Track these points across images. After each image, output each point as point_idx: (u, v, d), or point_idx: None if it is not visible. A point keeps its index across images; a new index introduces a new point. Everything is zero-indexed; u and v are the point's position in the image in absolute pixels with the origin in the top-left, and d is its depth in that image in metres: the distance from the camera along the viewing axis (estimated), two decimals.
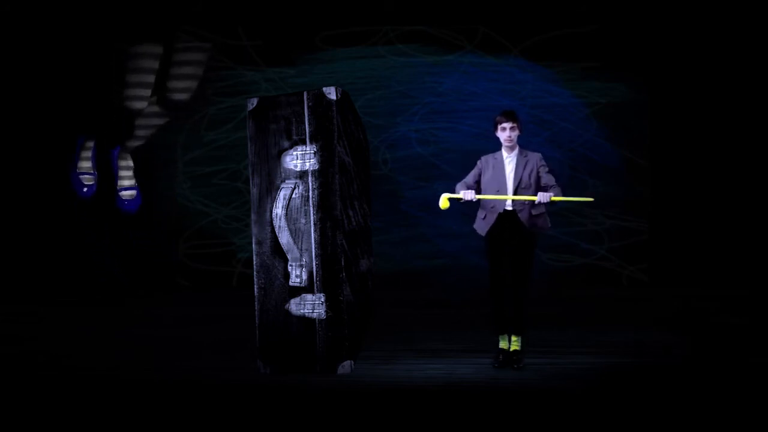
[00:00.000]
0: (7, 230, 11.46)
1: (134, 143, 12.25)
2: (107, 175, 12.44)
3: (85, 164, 12.42)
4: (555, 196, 6.79)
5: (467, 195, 6.88)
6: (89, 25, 10.76)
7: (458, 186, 6.98)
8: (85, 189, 12.28)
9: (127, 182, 12.44)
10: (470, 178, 7.01)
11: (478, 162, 7.03)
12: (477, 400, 5.98)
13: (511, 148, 6.95)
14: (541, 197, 6.78)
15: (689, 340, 8.00)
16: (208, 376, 6.81)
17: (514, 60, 11.64)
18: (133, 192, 12.39)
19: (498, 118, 6.98)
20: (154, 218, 11.55)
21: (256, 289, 6.80)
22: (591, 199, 7.88)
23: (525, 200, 6.84)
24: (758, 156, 11.13)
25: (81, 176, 12.45)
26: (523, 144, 7.08)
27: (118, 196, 12.34)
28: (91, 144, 12.40)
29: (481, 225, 7.01)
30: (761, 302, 9.83)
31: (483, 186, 6.95)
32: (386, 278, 10.27)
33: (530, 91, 11.63)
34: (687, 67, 11.28)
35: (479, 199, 6.91)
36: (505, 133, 6.94)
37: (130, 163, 12.42)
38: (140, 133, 12.27)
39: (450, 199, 6.84)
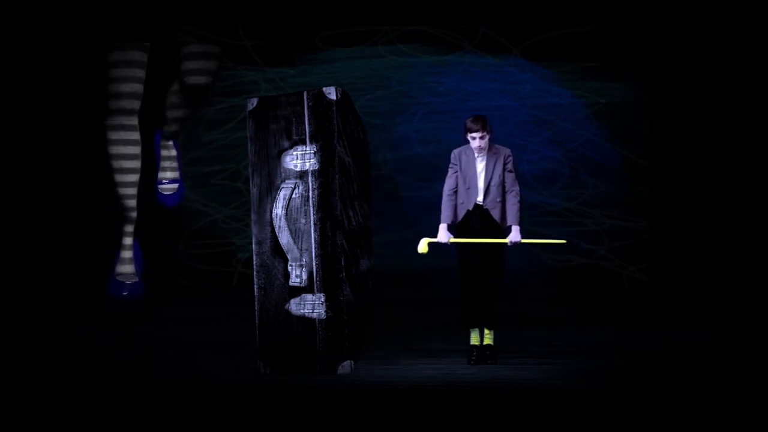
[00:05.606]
0: (7, 230, 11.45)
1: (170, 128, 11.67)
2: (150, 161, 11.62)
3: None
4: (524, 238, 6.93)
5: (443, 238, 6.97)
6: (88, 25, 10.76)
7: (444, 193, 7.03)
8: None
9: (169, 174, 11.66)
10: (452, 180, 7.02)
11: (452, 157, 7.05)
12: (477, 400, 5.98)
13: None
14: (513, 237, 6.90)
15: (689, 340, 8.00)
16: (208, 376, 6.82)
17: (514, 60, 11.64)
18: (174, 186, 11.65)
19: (468, 126, 6.94)
20: (154, 218, 11.54)
21: (256, 289, 6.80)
22: (563, 242, 8.00)
23: (494, 242, 6.90)
24: (758, 156, 11.14)
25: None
26: (504, 141, 7.11)
27: (157, 187, 11.64)
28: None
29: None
30: (762, 302, 9.83)
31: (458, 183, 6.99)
32: (386, 278, 10.26)
33: (530, 91, 11.63)
34: (687, 67, 11.28)
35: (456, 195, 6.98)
36: (475, 142, 6.94)
37: (173, 152, 11.67)
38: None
39: (429, 244, 6.92)
